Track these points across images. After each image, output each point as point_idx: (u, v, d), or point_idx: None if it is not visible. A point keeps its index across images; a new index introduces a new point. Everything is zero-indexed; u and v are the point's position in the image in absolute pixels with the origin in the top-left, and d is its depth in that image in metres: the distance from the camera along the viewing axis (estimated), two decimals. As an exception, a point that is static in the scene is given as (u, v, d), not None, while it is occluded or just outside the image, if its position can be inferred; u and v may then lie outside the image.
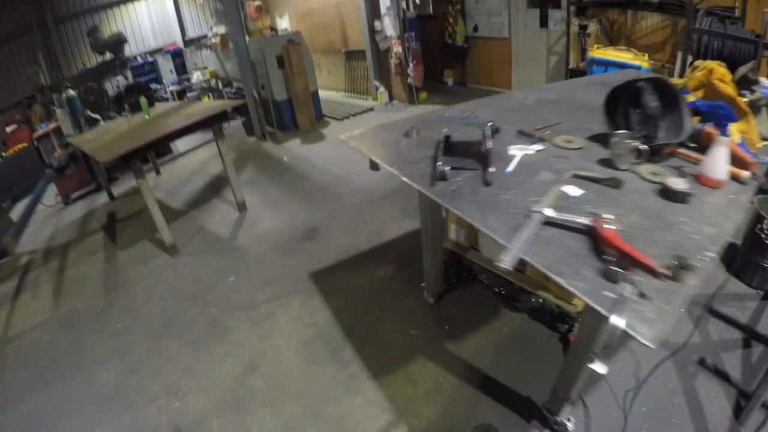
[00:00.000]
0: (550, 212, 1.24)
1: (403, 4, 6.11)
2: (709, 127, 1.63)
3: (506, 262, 1.09)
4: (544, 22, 5.87)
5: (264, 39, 6.14)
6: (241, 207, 4.07)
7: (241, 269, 3.21)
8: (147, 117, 4.00)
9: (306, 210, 3.95)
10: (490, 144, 1.65)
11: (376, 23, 6.47)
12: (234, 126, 6.70)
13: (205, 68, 9.15)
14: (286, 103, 6.24)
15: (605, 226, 1.13)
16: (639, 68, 3.84)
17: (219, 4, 8.72)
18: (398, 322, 2.48)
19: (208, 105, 5.30)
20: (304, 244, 3.40)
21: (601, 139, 1.73)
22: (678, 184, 1.34)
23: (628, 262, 1.04)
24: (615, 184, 1.40)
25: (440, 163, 1.57)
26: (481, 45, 6.70)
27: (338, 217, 3.73)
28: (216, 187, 4.83)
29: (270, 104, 6.24)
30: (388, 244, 3.24)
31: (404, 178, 1.60)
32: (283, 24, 7.35)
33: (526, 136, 1.86)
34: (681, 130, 1.59)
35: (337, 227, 3.56)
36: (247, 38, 6.12)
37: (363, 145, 1.98)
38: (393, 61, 6.48)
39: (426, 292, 2.58)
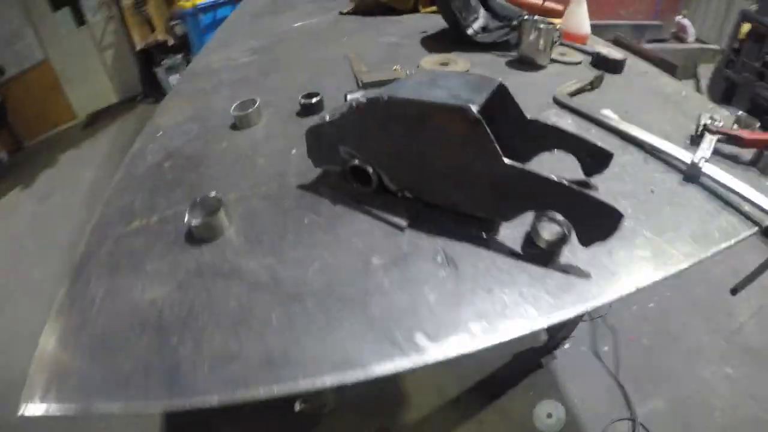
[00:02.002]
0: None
1: None
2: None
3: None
4: (80, 20, 4.28)
5: None
6: None
7: None
8: None
9: None
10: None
11: None
12: None
13: None
14: None
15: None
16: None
17: None
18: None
19: None
20: None
21: (457, 44, 1.24)
22: (611, 53, 1.12)
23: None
24: (599, 81, 1.02)
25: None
26: (18, 86, 4.24)
27: None
28: None
29: None
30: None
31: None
32: None
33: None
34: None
35: None
36: None
37: None
38: None
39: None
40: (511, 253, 0.58)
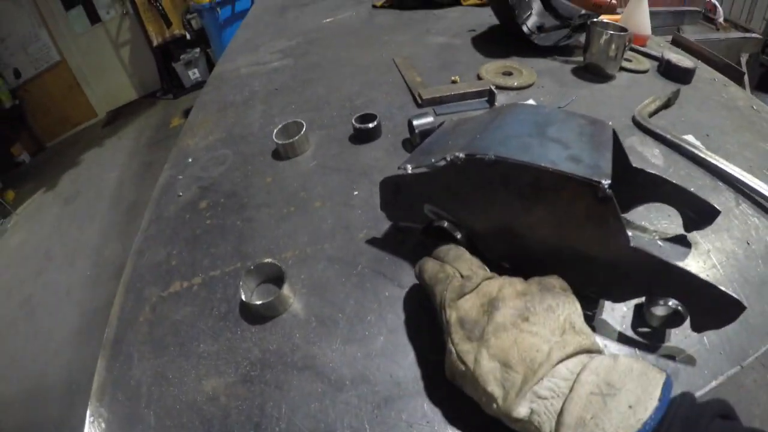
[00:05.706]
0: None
1: None
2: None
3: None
4: (94, 18, 4.14)
5: None
6: None
7: None
8: None
9: None
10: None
11: None
12: None
13: None
14: None
15: None
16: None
17: None
18: None
19: None
20: None
21: (511, 45, 1.08)
22: (682, 60, 0.96)
23: None
24: (675, 97, 0.88)
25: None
26: (36, 88, 4.12)
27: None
28: None
29: None
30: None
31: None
32: None
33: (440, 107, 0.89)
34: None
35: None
36: None
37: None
38: None
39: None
40: (621, 336, 0.47)
